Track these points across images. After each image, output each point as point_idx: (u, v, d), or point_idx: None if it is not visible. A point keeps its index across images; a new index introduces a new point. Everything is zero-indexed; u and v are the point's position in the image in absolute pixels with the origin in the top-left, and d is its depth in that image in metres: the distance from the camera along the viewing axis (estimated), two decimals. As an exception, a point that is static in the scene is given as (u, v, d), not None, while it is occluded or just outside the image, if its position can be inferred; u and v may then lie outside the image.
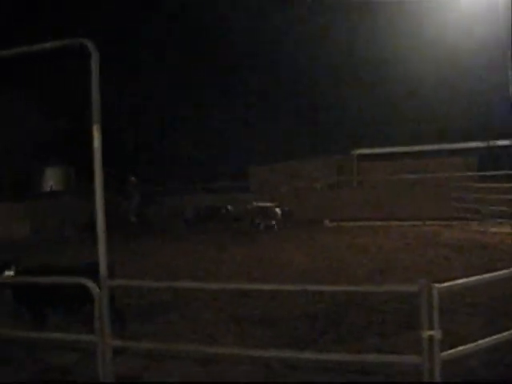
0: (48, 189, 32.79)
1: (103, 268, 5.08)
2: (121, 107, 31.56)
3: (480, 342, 3.93)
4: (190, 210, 21.23)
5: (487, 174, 21.19)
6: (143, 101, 35.02)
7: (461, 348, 3.79)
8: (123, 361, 5.99)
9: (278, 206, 19.14)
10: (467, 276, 4.02)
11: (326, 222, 19.61)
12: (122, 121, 32.25)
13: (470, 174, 21.63)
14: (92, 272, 5.47)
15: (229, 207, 20.70)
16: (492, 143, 25.82)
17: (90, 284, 5.17)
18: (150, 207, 24.00)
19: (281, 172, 26.81)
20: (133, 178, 24.05)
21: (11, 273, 7.04)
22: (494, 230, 15.75)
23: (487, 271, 4.23)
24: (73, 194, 23.95)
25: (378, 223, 17.39)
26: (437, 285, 3.54)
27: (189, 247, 15.32)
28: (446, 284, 3.69)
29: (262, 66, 35.41)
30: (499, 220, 16.54)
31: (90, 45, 5.08)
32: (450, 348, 3.73)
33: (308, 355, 5.44)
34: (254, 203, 19.67)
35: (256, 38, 33.47)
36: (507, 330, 4.12)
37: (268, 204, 19.53)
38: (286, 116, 34.78)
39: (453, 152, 26.56)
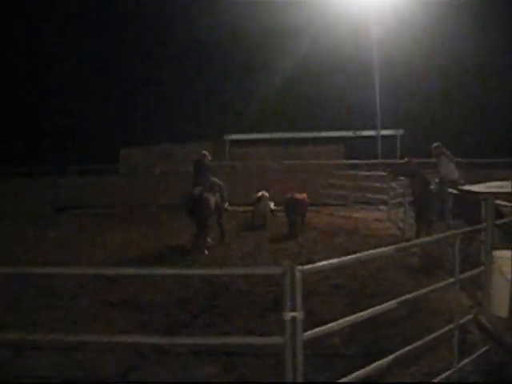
0: None
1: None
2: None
3: (342, 320, 4.09)
4: None
5: (354, 162, 22.39)
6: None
7: (323, 328, 3.93)
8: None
9: None
10: (331, 258, 4.16)
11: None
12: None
13: (337, 161, 22.69)
14: None
15: None
16: (358, 133, 27.32)
17: None
18: None
19: (154, 155, 26.40)
20: None
21: None
22: (357, 215, 16.63)
23: (349, 254, 4.41)
24: None
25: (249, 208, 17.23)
26: (299, 267, 3.65)
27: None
28: (308, 266, 3.82)
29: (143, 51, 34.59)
30: (363, 206, 17.57)
31: None
32: (314, 328, 3.86)
33: (177, 340, 5.45)
34: None
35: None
36: (368, 308, 4.32)
37: None
38: (163, 99, 34.19)
39: (322, 140, 27.70)
